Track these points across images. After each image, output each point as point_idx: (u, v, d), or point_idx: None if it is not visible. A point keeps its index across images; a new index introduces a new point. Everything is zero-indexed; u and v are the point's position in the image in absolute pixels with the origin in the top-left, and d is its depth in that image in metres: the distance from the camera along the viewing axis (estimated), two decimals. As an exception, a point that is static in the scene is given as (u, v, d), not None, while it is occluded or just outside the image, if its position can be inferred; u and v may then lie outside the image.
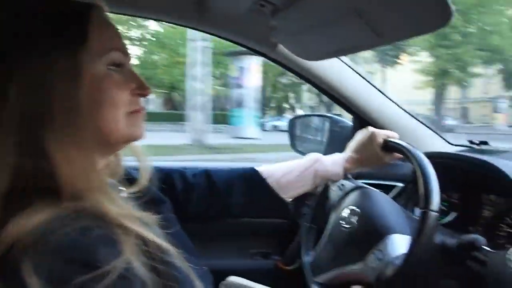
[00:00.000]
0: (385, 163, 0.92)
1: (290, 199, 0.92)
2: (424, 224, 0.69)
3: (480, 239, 0.77)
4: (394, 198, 1.24)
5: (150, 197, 0.66)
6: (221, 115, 18.30)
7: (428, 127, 1.35)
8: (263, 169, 0.91)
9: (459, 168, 1.10)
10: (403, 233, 0.80)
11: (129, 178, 0.68)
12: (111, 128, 0.56)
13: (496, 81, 24.94)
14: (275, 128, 20.86)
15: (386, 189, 1.29)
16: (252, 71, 13.62)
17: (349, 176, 0.99)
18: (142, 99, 0.62)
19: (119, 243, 0.46)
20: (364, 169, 0.98)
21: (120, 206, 0.52)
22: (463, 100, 32.52)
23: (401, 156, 0.88)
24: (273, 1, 0.84)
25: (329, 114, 1.55)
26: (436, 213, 0.70)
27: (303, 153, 1.60)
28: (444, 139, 1.37)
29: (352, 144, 0.94)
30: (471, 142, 1.42)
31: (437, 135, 1.35)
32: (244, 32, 1.04)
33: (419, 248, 0.69)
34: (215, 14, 0.93)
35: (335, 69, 1.18)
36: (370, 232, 0.83)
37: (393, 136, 0.90)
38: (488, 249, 0.93)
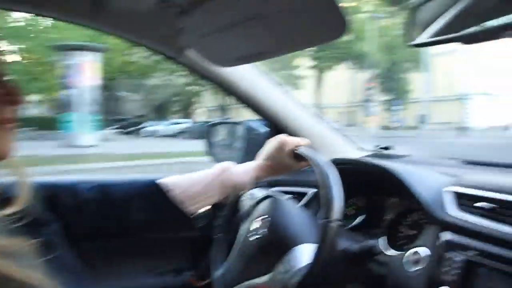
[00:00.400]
0: (295, 170, 0.92)
1: (199, 211, 0.88)
2: (326, 234, 0.69)
3: (377, 244, 0.80)
4: (307, 204, 1.26)
5: (30, 220, 0.57)
6: (48, 120, 16.11)
7: (338, 133, 1.40)
8: (166, 181, 0.85)
9: (365, 173, 1.15)
10: (310, 242, 0.79)
11: (5, 198, 0.59)
12: None
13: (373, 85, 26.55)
14: (153, 134, 19.10)
15: (301, 195, 1.31)
16: (85, 69, 11.77)
17: (260, 184, 0.98)
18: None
19: None
20: (275, 177, 0.97)
21: None
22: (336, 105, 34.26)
23: (307, 164, 0.89)
24: (178, 1, 0.79)
25: (246, 121, 1.54)
26: (338, 222, 0.71)
27: (221, 161, 1.57)
28: (353, 144, 1.43)
29: (263, 152, 0.93)
30: (377, 146, 1.50)
31: (347, 141, 1.41)
32: (147, 33, 0.98)
33: (322, 256, 0.69)
34: (112, 11, 0.85)
35: (247, 75, 1.17)
36: (278, 243, 0.82)
37: (304, 143, 0.90)
38: (388, 252, 0.97)
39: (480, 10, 0.57)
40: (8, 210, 0.56)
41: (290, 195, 1.32)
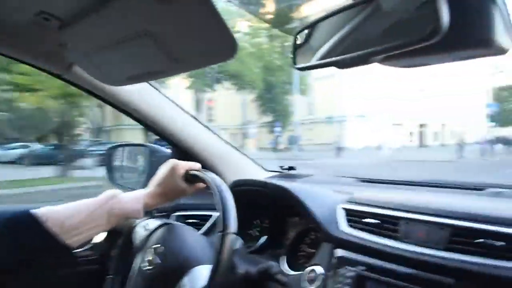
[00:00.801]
0: (189, 194, 0.89)
1: (83, 243, 0.80)
2: (222, 247, 0.67)
3: (274, 265, 0.80)
4: (211, 228, 1.23)
5: None
6: None
7: (243, 154, 1.40)
8: (42, 211, 0.76)
9: (268, 194, 1.16)
10: (206, 264, 0.76)
11: None
12: None
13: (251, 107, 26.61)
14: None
15: (207, 219, 1.28)
16: None
17: (155, 213, 0.94)
18: None
19: None
20: (169, 203, 0.93)
21: None
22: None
23: (203, 186, 0.87)
24: (58, 15, 0.73)
25: (148, 144, 1.47)
26: (234, 235, 0.69)
27: (123, 187, 1.47)
28: (259, 165, 1.44)
29: (155, 178, 0.89)
30: (281, 167, 1.54)
31: (252, 162, 1.41)
32: (29, 49, 0.89)
33: (219, 272, 0.67)
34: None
35: (145, 95, 1.12)
36: (174, 269, 0.78)
37: (195, 167, 0.88)
38: (288, 272, 0.98)
39: (356, 39, 0.60)
40: None
41: (194, 220, 1.29)
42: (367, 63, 0.56)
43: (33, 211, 0.74)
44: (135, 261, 0.87)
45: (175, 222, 0.91)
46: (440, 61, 0.53)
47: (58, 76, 0.98)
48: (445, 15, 0.41)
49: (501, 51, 0.44)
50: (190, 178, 0.86)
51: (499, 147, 21.37)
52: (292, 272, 0.96)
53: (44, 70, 0.96)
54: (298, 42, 0.69)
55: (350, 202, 0.92)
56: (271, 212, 1.19)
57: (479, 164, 14.23)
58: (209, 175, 0.80)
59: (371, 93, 25.00)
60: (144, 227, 0.91)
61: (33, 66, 0.94)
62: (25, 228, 0.73)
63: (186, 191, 0.88)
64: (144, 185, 1.21)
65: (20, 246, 0.72)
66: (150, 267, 0.80)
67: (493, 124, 23.82)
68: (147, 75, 0.83)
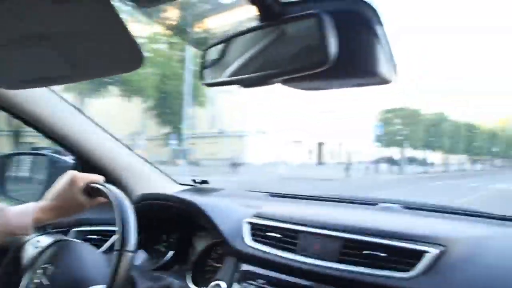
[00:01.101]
0: (88, 208, 0.84)
1: None
2: (118, 265, 0.64)
3: (176, 282, 0.79)
4: (113, 245, 1.17)
5: None
6: None
7: (154, 167, 1.36)
8: None
9: (176, 208, 1.14)
10: (100, 284, 0.72)
11: None
12: None
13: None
14: None
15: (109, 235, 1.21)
16: None
17: (50, 228, 0.86)
18: None
19: None
20: (65, 217, 0.86)
21: None
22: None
23: (105, 200, 0.82)
24: None
25: (46, 152, 1.36)
26: (131, 253, 0.66)
27: (16, 200, 1.34)
28: (170, 178, 1.41)
29: (51, 191, 0.82)
30: (194, 181, 1.52)
31: (163, 175, 1.38)
32: None
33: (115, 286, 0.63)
34: None
35: (43, 100, 1.04)
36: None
37: (97, 180, 0.83)
38: (192, 287, 0.97)
39: (262, 59, 0.63)
40: None
41: (95, 235, 1.21)
42: (269, 84, 0.59)
43: None
44: (21, 283, 0.79)
45: (71, 239, 0.84)
46: (333, 86, 0.57)
47: None
48: (332, 46, 0.44)
49: (385, 81, 0.49)
50: (91, 191, 0.81)
51: (383, 166, 23.73)
52: None
53: None
54: (207, 58, 0.69)
55: (256, 216, 0.94)
56: (179, 226, 1.17)
57: (361, 182, 15.54)
58: (110, 188, 0.76)
59: (273, 110, 25.72)
60: (34, 244, 0.83)
61: None
62: None
63: (86, 205, 0.82)
64: (41, 197, 1.11)
65: None
66: (35, 285, 0.73)
67: (379, 144, 25.82)
68: (44, 80, 0.76)
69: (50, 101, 1.06)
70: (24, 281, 0.79)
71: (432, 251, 0.69)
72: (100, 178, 0.84)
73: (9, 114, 1.01)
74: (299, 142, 29.04)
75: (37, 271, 0.76)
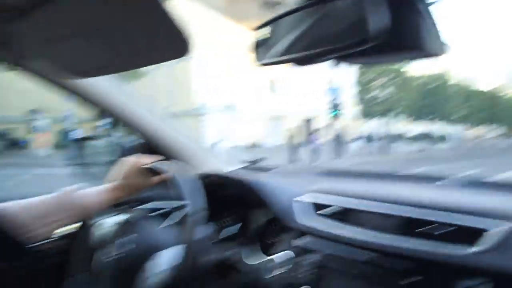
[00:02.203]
0: (149, 186, 0.92)
1: (40, 238, 0.79)
2: (192, 226, 0.72)
3: (235, 254, 0.83)
4: (173, 220, 1.24)
5: None
6: None
7: (207, 148, 1.42)
8: None
9: (232, 187, 1.18)
10: (171, 247, 0.79)
11: None
12: None
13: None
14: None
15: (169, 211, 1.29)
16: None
17: (115, 207, 0.94)
18: None
19: None
20: (129, 196, 0.94)
21: None
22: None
23: (163, 178, 0.89)
24: (8, 4, 0.71)
25: (112, 136, 1.45)
26: (202, 215, 0.73)
27: (86, 179, 1.45)
28: (224, 159, 1.46)
29: (115, 173, 0.90)
30: (248, 160, 1.56)
31: (216, 156, 1.43)
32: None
33: (191, 252, 0.70)
34: None
35: (107, 88, 1.11)
36: (137, 257, 0.79)
37: (155, 160, 0.91)
38: (251, 260, 1.01)
39: (314, 37, 0.63)
40: None
41: (156, 212, 1.29)
42: (321, 61, 0.59)
43: None
44: (96, 257, 0.87)
45: (137, 216, 0.92)
46: (383, 61, 0.57)
47: (13, 69, 0.95)
48: (378, 22, 0.44)
49: (434, 54, 0.48)
50: (151, 171, 0.88)
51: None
52: (253, 261, 0.99)
53: (1, 60, 0.93)
54: (258, 38, 0.70)
55: (312, 192, 0.96)
56: (235, 204, 1.21)
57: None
58: (172, 166, 0.82)
59: (241, 83, 22.29)
60: (105, 222, 0.91)
61: None
62: None
63: (148, 184, 0.90)
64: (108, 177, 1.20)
65: None
66: (113, 259, 0.81)
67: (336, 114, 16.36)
68: (99, 70, 0.82)
69: (114, 88, 1.13)
70: (99, 255, 0.87)
71: (498, 227, 0.66)
72: (158, 159, 0.90)
73: (81, 101, 1.10)
74: (279, 118, 25.02)
75: (112, 245, 0.84)
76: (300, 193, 0.96)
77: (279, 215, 0.93)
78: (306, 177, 1.27)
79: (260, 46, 0.71)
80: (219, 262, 0.83)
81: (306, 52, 0.59)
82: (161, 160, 0.89)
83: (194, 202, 0.76)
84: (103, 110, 1.15)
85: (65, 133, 18.53)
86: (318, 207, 0.89)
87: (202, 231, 0.76)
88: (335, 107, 16.04)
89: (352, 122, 24.12)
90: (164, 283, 0.73)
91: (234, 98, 22.64)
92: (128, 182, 0.89)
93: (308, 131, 23.26)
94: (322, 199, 0.90)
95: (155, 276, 0.74)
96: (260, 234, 1.11)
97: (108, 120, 1.23)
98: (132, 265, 0.78)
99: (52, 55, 0.77)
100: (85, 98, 1.08)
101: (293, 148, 14.20)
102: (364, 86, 22.52)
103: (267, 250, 1.06)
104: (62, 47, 0.73)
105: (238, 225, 1.20)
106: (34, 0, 0.65)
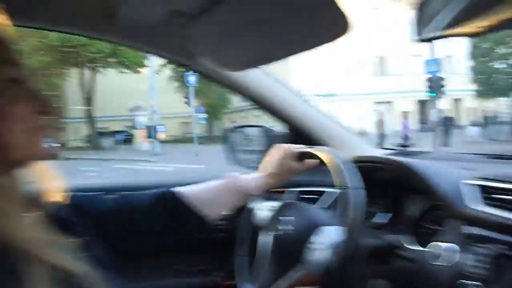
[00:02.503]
0: (299, 172, 0.97)
1: (218, 215, 0.91)
2: (355, 201, 0.73)
3: (401, 238, 0.80)
4: (325, 203, 1.26)
5: (60, 221, 0.61)
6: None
7: (355, 133, 1.40)
8: (181, 189, 0.90)
9: (387, 171, 1.14)
10: (335, 225, 0.81)
11: (34, 201, 0.63)
12: (6, 143, 0.55)
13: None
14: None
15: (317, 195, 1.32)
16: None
17: (270, 193, 1.01)
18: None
19: (20, 272, 0.45)
20: (282, 182, 1.00)
21: (25, 230, 0.50)
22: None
23: (314, 163, 0.93)
24: (185, 11, 0.82)
25: (264, 125, 1.55)
26: (362, 192, 0.75)
27: (241, 166, 1.58)
28: (370, 143, 1.42)
29: (267, 161, 0.97)
30: (396, 144, 1.48)
31: (363, 140, 1.40)
32: (159, 43, 1.01)
33: (356, 227, 0.72)
34: (125, 25, 0.89)
35: (259, 79, 1.19)
36: (302, 232, 0.84)
37: (301, 147, 0.95)
38: (412, 248, 0.96)
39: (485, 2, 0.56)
40: (37, 212, 0.60)
41: (307, 195, 1.33)
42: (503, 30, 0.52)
43: (175, 190, 0.88)
44: (260, 238, 0.95)
45: (292, 198, 0.97)
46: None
47: (183, 66, 1.10)
48: None
49: None
50: (303, 156, 0.92)
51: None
52: (418, 248, 0.94)
53: (172, 61, 1.09)
54: (417, 11, 0.66)
55: (478, 178, 0.86)
56: (390, 189, 1.17)
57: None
58: (325, 151, 0.83)
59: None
60: (264, 206, 0.99)
61: (162, 57, 1.07)
62: (171, 203, 0.86)
63: (298, 170, 0.95)
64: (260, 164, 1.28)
65: (167, 217, 0.85)
66: (279, 236, 0.87)
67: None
68: (262, 60, 0.88)
69: (262, 78, 1.20)
70: (262, 236, 0.94)
71: None
72: (301, 146, 0.96)
73: (235, 92, 1.20)
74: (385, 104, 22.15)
75: (272, 226, 0.90)
76: (468, 177, 0.87)
77: (445, 201, 0.86)
78: (466, 161, 1.15)
79: (421, 20, 0.66)
80: (380, 247, 0.81)
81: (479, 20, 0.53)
82: (311, 146, 0.92)
83: (354, 185, 0.76)
84: (255, 100, 1.23)
85: (152, 128, 20.45)
86: (490, 192, 0.80)
87: (362, 215, 0.76)
88: (435, 84, 12.55)
89: (467, 103, 20.38)
90: (328, 260, 0.75)
91: (335, 84, 21.95)
92: (281, 169, 0.94)
93: (422, 114, 21.42)
94: (495, 184, 0.80)
95: (319, 252, 0.77)
96: (418, 221, 1.05)
97: (258, 109, 1.31)
98: (295, 242, 0.82)
99: (218, 51, 0.86)
100: (239, 89, 1.18)
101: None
102: (479, 59, 18.71)
103: (426, 238, 0.99)
104: (228, 43, 0.81)
105: (391, 211, 1.16)
106: (207, 4, 0.74)
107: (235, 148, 1.63)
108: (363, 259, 0.81)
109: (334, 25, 0.61)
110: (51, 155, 0.61)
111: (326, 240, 0.78)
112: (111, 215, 0.82)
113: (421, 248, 0.93)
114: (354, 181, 0.75)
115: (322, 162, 0.86)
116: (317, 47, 0.69)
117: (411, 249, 0.94)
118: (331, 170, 0.81)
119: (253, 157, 1.58)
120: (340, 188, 0.76)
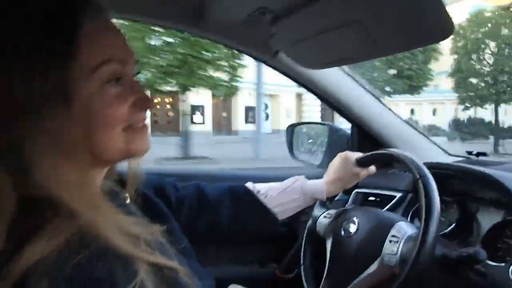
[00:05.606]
0: (361, 178, 0.98)
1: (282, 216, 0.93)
2: (430, 195, 0.74)
3: (482, 252, 0.77)
4: (393, 208, 1.24)
5: (155, 210, 0.65)
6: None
7: (426, 137, 1.35)
8: (254, 185, 0.93)
9: (458, 179, 1.10)
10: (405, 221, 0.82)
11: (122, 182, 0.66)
12: (105, 147, 0.52)
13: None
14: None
15: (385, 199, 1.29)
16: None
17: (333, 198, 1.04)
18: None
19: (133, 263, 0.44)
20: (345, 188, 1.01)
21: (120, 224, 0.48)
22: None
23: (373, 170, 0.96)
24: (273, 9, 0.83)
25: (328, 122, 1.54)
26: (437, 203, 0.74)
27: (302, 162, 1.59)
28: (442, 149, 1.37)
29: (331, 167, 0.99)
30: (469, 153, 1.41)
31: (435, 146, 1.35)
32: (243, 39, 1.05)
33: (426, 238, 0.71)
34: (215, 20, 0.93)
35: (334, 77, 1.18)
36: (376, 230, 0.84)
37: (363, 155, 0.97)
38: (489, 262, 0.92)
39: None
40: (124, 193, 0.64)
41: (374, 198, 1.31)
42: None
43: (247, 185, 0.91)
44: (328, 243, 0.95)
45: (357, 202, 0.97)
46: None
47: (264, 62, 1.12)
48: None
49: None
50: (362, 163, 0.95)
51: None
52: (493, 263, 0.90)
53: (253, 57, 1.12)
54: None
55: None
56: (461, 198, 1.12)
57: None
58: (402, 154, 0.83)
59: None
60: (325, 216, 1.00)
61: (244, 53, 1.10)
62: (242, 197, 0.89)
63: (360, 176, 0.97)
64: (324, 163, 1.29)
65: (237, 209, 0.88)
66: (350, 236, 0.87)
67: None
68: (345, 60, 0.88)
69: (338, 77, 1.20)
70: (330, 241, 0.94)
71: None
72: (360, 155, 0.97)
73: (308, 90, 1.21)
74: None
75: (342, 226, 0.90)
76: None
77: None
78: None
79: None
80: (455, 258, 0.78)
81: None
82: (374, 152, 0.92)
83: (429, 192, 0.74)
84: (327, 97, 1.23)
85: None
86: None
87: (436, 223, 0.74)
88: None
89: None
90: (410, 253, 0.75)
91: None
92: (344, 175, 0.96)
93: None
94: None
95: (400, 245, 0.77)
96: (490, 234, 1.00)
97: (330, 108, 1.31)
98: (369, 242, 0.82)
99: (301, 50, 0.87)
100: (317, 88, 1.18)
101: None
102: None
103: (498, 253, 0.95)
104: (312, 42, 0.81)
105: (455, 220, 1.11)
106: (295, 4, 0.75)
107: (296, 144, 1.65)
108: (436, 269, 0.79)
109: (435, 27, 0.60)
110: (145, 151, 0.58)
111: (405, 233, 0.78)
112: (189, 202, 0.86)
113: (497, 264, 0.89)
114: (429, 191, 0.74)
115: (387, 165, 0.86)
116: (411, 49, 0.68)
117: (487, 264, 0.90)
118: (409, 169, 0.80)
119: (314, 154, 1.59)
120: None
